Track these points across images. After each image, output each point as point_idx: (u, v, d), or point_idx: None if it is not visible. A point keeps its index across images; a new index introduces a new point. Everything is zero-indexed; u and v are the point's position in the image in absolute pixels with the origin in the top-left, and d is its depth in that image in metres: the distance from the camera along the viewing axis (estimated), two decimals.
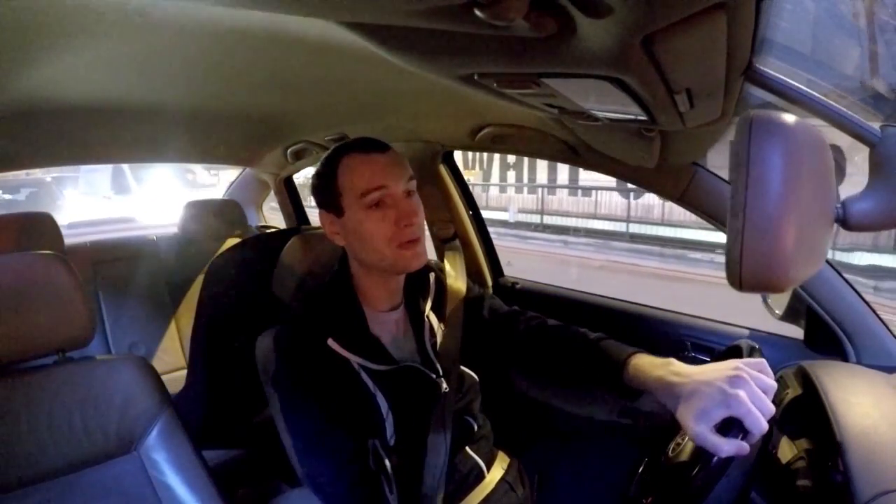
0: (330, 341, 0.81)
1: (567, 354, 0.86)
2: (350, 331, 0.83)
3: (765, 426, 0.59)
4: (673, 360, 0.72)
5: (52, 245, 1.57)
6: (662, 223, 8.97)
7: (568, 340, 0.88)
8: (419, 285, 0.94)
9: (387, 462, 0.81)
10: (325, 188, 0.83)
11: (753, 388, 0.61)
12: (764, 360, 0.66)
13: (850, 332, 0.93)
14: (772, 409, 0.60)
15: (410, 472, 0.81)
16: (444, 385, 0.87)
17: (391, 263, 0.82)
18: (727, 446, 0.59)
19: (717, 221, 1.02)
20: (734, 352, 0.78)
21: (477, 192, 10.23)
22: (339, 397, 0.79)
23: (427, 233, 0.94)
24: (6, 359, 0.80)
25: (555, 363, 0.89)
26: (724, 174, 0.96)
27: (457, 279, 1.01)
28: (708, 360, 0.99)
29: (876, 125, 0.49)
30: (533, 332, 0.92)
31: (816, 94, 0.50)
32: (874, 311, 0.95)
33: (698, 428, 0.60)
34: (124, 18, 0.61)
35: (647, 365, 0.74)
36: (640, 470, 0.85)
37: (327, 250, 0.95)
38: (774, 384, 0.63)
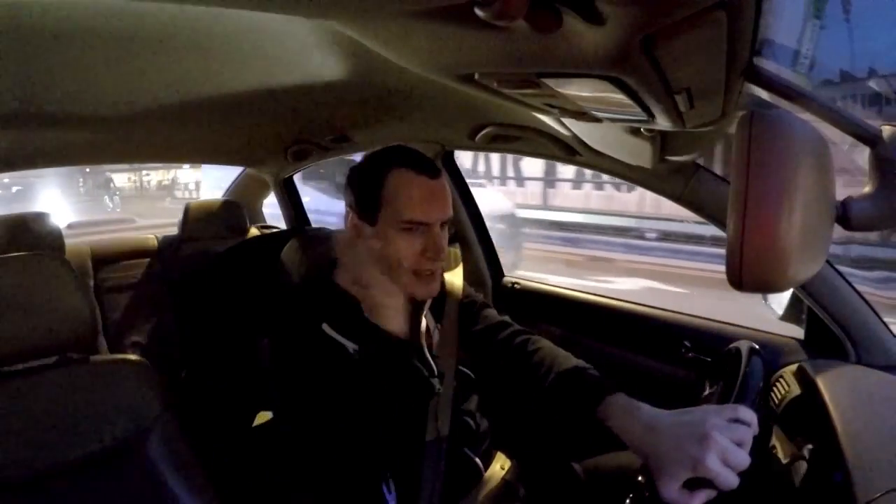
0: (325, 326, 0.81)
1: (539, 383, 0.86)
2: (347, 316, 0.83)
3: (735, 482, 0.59)
4: (643, 409, 0.71)
5: (52, 245, 1.57)
6: None
7: (542, 368, 0.87)
8: None
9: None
10: (366, 194, 0.82)
11: (724, 447, 0.60)
12: (740, 406, 0.65)
13: (850, 332, 0.93)
14: (747, 460, 0.60)
15: (408, 471, 0.81)
16: (438, 385, 0.87)
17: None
18: (695, 501, 0.60)
19: (717, 221, 1.02)
20: (734, 353, 0.78)
21: None
22: (329, 387, 0.78)
23: None
24: (6, 359, 0.80)
25: (525, 387, 0.89)
26: None
27: (454, 280, 1.01)
28: (708, 360, 0.99)
29: (876, 125, 0.49)
30: (511, 350, 0.92)
31: (816, 94, 0.50)
32: (874, 311, 0.95)
33: (666, 488, 0.61)
34: (124, 17, 0.61)
35: (619, 412, 0.73)
36: (641, 470, 0.84)
37: (327, 251, 0.95)
38: (749, 431, 0.62)
